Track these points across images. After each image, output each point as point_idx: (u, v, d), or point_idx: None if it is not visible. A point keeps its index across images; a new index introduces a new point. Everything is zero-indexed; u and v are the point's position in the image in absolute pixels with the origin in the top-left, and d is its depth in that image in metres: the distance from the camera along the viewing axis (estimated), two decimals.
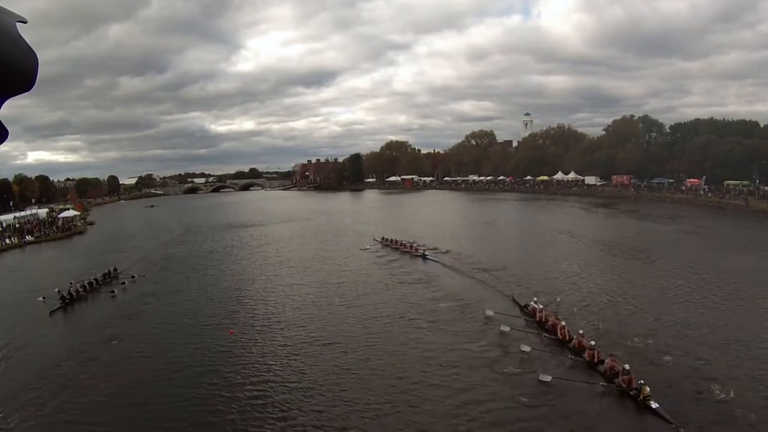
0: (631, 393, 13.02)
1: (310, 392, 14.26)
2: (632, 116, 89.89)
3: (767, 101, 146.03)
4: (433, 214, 60.77)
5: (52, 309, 23.36)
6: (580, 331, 16.63)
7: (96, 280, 27.93)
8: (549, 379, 13.97)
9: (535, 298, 20.52)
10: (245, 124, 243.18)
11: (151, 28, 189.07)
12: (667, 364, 15.07)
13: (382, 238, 37.75)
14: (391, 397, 13.83)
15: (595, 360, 14.88)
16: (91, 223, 66.20)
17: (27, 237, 50.89)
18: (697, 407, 12.61)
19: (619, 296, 22.45)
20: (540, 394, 13.57)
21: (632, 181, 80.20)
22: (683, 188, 71.91)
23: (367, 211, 69.27)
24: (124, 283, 28.45)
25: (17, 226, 55.73)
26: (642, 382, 13.01)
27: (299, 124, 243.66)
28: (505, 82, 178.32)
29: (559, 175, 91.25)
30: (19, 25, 1.12)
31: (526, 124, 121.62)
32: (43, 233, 53.70)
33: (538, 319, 18.78)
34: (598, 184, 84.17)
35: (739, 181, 68.03)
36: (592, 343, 15.60)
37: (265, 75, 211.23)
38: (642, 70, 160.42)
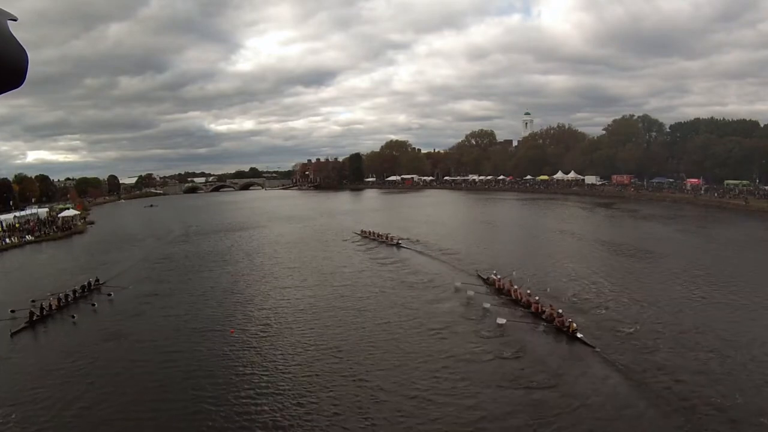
0: (564, 329, 17.73)
1: (306, 383, 14.36)
2: (632, 116, 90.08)
3: (767, 101, 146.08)
4: (435, 214, 60.73)
5: (14, 330, 20.14)
6: (528, 291, 21.83)
7: (74, 291, 24.93)
8: (504, 322, 19.00)
9: (495, 271, 25.42)
10: (245, 123, 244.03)
11: (150, 28, 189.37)
12: (662, 355, 15.31)
13: (361, 231, 42.05)
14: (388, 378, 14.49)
15: (539, 310, 19.88)
16: (91, 223, 66.18)
17: (27, 236, 50.89)
18: (695, 402, 12.66)
19: (616, 290, 22.53)
20: (497, 334, 18.25)
21: (632, 180, 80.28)
22: (683, 188, 71.97)
23: (368, 211, 69.15)
24: (93, 305, 24.12)
25: (17, 225, 55.71)
26: (570, 320, 17.90)
27: (299, 123, 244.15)
28: (505, 81, 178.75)
29: (559, 175, 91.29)
30: (10, 22, 1.13)
31: (526, 123, 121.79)
32: (43, 233, 53.67)
33: (496, 286, 23.67)
34: (598, 183, 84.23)
35: (739, 181, 68.09)
36: (536, 298, 20.75)
37: (264, 74, 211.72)
38: (642, 70, 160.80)
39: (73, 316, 22.42)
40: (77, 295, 25.06)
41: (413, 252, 34.03)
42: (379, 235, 38.85)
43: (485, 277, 25.18)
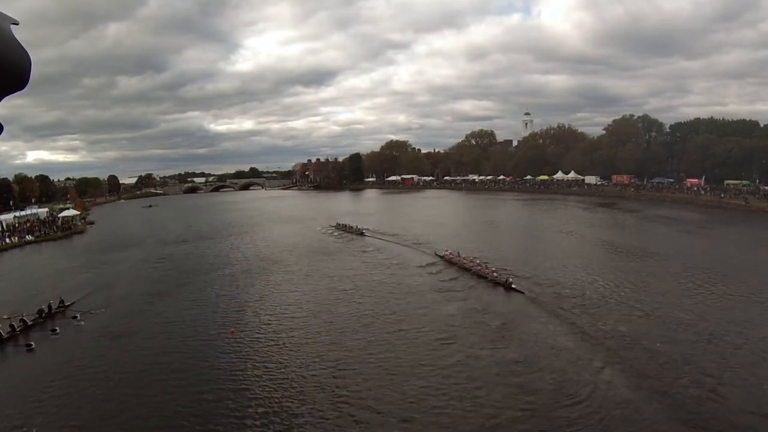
0: (502, 283, 24.03)
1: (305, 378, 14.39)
2: (632, 116, 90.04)
3: (767, 100, 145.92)
4: (436, 215, 60.52)
5: None
6: (473, 260, 28.15)
7: (39, 313, 21.38)
8: (460, 281, 25.44)
9: (446, 248, 31.79)
10: (245, 123, 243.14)
11: (149, 27, 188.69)
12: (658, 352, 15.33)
13: (336, 224, 48.08)
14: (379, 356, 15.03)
15: (483, 272, 26.02)
16: (91, 223, 66.19)
17: (27, 236, 50.90)
18: (695, 406, 12.65)
19: (616, 289, 22.62)
20: (453, 290, 24.31)
21: (632, 180, 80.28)
22: (683, 188, 71.97)
23: (369, 212, 68.64)
24: (56, 330, 20.26)
25: (17, 225, 55.72)
26: (508, 275, 24.58)
27: (299, 123, 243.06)
28: (504, 81, 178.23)
29: (559, 175, 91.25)
30: (12, 26, 1.19)
31: (526, 123, 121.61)
32: (43, 233, 53.70)
33: (448, 260, 29.96)
34: (598, 183, 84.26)
35: (739, 181, 68.11)
36: (478, 263, 27.26)
37: (263, 74, 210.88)
38: (642, 69, 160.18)
39: (29, 345, 18.58)
40: (34, 321, 20.95)
41: (384, 242, 39.41)
42: (350, 227, 45.20)
43: (441, 254, 31.40)
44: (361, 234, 42.54)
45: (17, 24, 1.20)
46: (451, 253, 30.27)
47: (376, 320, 20.45)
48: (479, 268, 26.63)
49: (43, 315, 21.71)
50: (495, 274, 25.00)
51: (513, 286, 23.21)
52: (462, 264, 28.31)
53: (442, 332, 18.67)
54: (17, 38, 1.19)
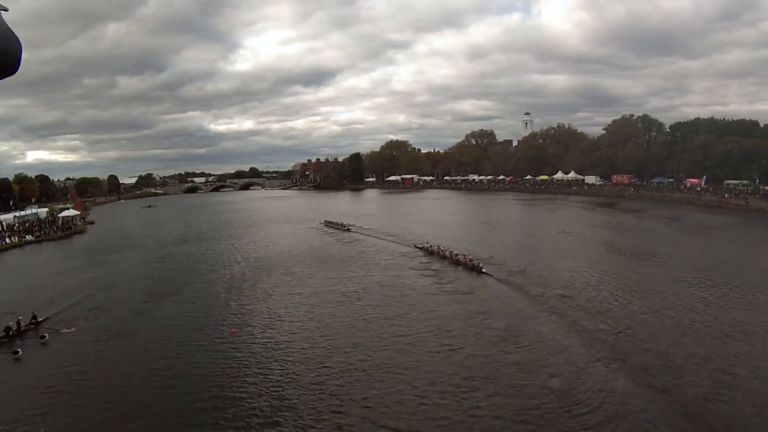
0: (473, 267, 27.53)
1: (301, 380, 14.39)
2: (632, 116, 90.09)
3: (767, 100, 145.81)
4: (437, 215, 60.62)
5: None
6: (451, 250, 31.62)
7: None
8: (437, 267, 29.07)
9: (427, 240, 35.34)
10: (244, 123, 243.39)
11: (148, 27, 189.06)
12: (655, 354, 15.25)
13: (325, 221, 51.64)
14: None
15: (458, 259, 29.63)
16: (91, 223, 66.20)
17: (27, 236, 50.89)
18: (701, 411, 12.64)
19: (616, 288, 22.57)
20: (433, 274, 27.71)
21: (632, 180, 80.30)
22: (683, 188, 71.99)
23: (369, 212, 68.72)
24: (18, 352, 17.82)
25: (17, 225, 55.72)
26: (478, 261, 28.27)
27: (298, 123, 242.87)
28: (505, 81, 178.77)
29: (559, 175, 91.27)
30: (2, 12, 1.20)
31: (526, 123, 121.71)
32: (43, 232, 53.68)
33: (428, 250, 33.45)
34: (598, 183, 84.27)
35: (739, 181, 68.14)
36: (456, 253, 30.60)
37: (263, 74, 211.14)
38: (643, 69, 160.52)
39: None
40: None
41: (373, 238, 41.30)
42: (337, 224, 48.72)
43: (420, 246, 34.92)
44: (348, 230, 45.66)
45: (6, 10, 1.22)
46: (431, 246, 33.66)
47: (371, 313, 21.16)
48: (454, 256, 30.21)
49: (10, 333, 19.19)
50: (472, 262, 28.20)
51: (483, 270, 26.87)
52: (441, 253, 31.84)
53: (429, 311, 21.15)
54: (7, 23, 1.21)
